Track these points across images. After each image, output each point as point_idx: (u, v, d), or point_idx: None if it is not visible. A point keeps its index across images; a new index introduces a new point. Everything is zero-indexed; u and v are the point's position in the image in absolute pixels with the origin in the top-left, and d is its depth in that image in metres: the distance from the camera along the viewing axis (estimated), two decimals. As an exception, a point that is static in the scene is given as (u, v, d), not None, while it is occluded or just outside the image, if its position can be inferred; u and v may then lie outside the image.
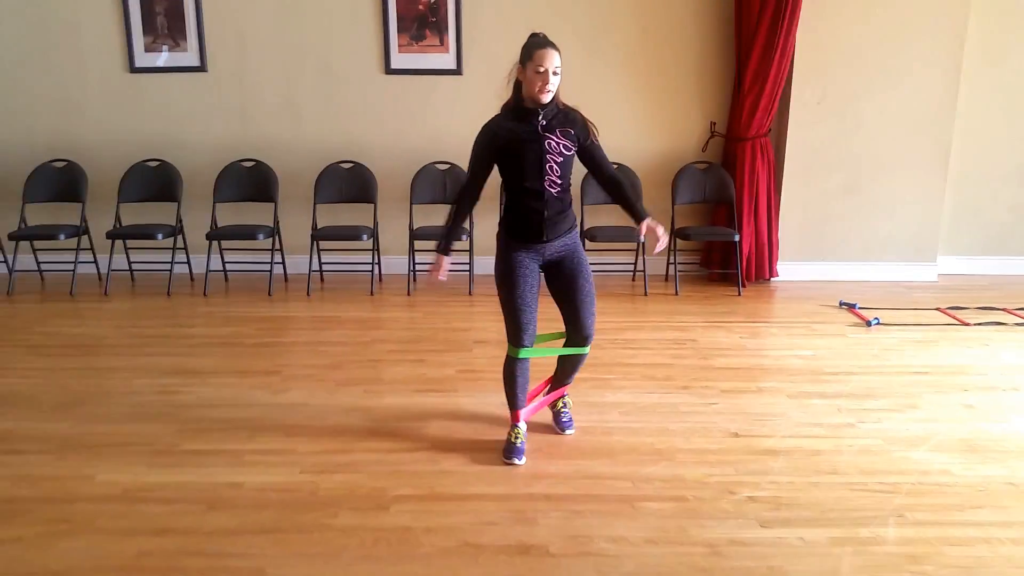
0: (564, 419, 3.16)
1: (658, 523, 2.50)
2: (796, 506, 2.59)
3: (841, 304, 4.94)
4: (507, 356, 2.90)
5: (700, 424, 3.22)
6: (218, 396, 3.52)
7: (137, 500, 2.65)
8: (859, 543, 2.38)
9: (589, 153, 2.87)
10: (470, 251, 5.32)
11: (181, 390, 3.59)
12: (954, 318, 4.70)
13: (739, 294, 5.26)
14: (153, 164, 5.49)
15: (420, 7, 5.41)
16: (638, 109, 5.57)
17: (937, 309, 4.87)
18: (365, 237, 5.16)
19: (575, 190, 5.29)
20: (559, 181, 2.78)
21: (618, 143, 5.51)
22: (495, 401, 3.23)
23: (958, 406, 3.42)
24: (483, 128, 2.82)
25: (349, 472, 2.82)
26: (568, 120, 2.79)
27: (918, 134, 5.41)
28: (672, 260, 5.45)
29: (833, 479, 2.77)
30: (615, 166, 4.96)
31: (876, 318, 4.60)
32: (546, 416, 3.21)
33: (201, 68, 5.54)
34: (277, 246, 5.42)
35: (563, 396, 3.18)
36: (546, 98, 2.70)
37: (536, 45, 2.68)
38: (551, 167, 2.75)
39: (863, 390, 3.59)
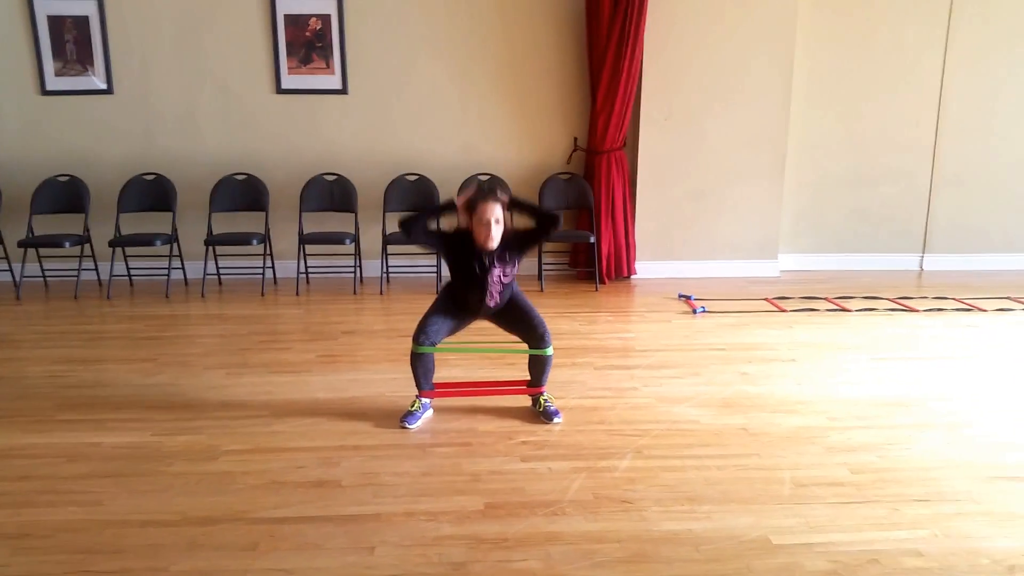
0: (551, 410, 3.41)
1: (439, 461, 3.03)
2: (557, 447, 3.15)
3: (680, 296, 5.56)
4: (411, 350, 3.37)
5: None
6: (97, 379, 3.99)
7: (8, 457, 3.10)
8: (594, 471, 2.94)
9: (521, 239, 3.21)
10: (356, 254, 5.87)
11: (67, 375, 4.06)
12: (776, 306, 5.33)
13: (596, 290, 5.86)
14: (63, 179, 5.95)
15: (307, 34, 5.96)
16: (510, 126, 6.16)
17: (765, 299, 5.51)
18: (255, 242, 5.67)
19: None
20: (499, 294, 3.26)
21: (492, 156, 6.13)
22: (344, 379, 3.86)
23: (735, 373, 4.01)
24: (451, 235, 3.22)
25: (192, 434, 3.31)
26: (505, 247, 3.13)
27: (756, 147, 6.08)
28: (540, 260, 6.03)
29: (598, 427, 3.33)
30: (488, 176, 5.55)
31: (703, 307, 5.21)
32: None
33: (108, 91, 6.03)
34: (176, 252, 5.90)
35: (541, 394, 3.48)
36: (492, 245, 3.08)
37: (480, 198, 3.04)
38: (491, 292, 3.23)
39: (660, 363, 4.17)
